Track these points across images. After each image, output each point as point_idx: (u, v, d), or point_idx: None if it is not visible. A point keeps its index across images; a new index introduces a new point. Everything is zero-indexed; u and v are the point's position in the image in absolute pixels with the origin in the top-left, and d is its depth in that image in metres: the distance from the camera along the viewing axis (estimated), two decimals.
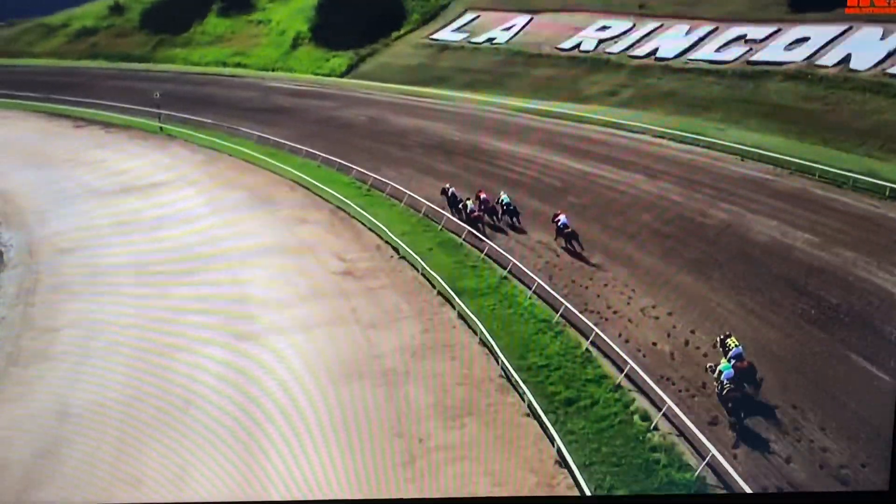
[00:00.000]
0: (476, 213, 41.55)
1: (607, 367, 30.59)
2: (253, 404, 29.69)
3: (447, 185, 44.20)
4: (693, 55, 57.04)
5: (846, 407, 26.86)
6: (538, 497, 25.53)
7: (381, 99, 63.58)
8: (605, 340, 31.19)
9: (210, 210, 46.07)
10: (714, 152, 47.50)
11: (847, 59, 49.71)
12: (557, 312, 33.73)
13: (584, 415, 28.12)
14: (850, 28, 50.60)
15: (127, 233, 43.94)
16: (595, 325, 32.31)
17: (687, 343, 31.13)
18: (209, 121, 59.83)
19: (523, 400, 28.95)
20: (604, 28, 62.56)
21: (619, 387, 29.34)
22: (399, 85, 64.76)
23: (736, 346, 28.53)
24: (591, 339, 31.71)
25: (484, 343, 32.32)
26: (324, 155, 52.68)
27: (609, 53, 60.51)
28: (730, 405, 26.77)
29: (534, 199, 43.33)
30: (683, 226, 39.86)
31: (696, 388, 28.69)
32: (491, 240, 39.77)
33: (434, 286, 36.82)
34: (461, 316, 34.36)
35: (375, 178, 48.47)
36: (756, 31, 55.63)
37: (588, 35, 62.58)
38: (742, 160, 46.04)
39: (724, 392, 26.90)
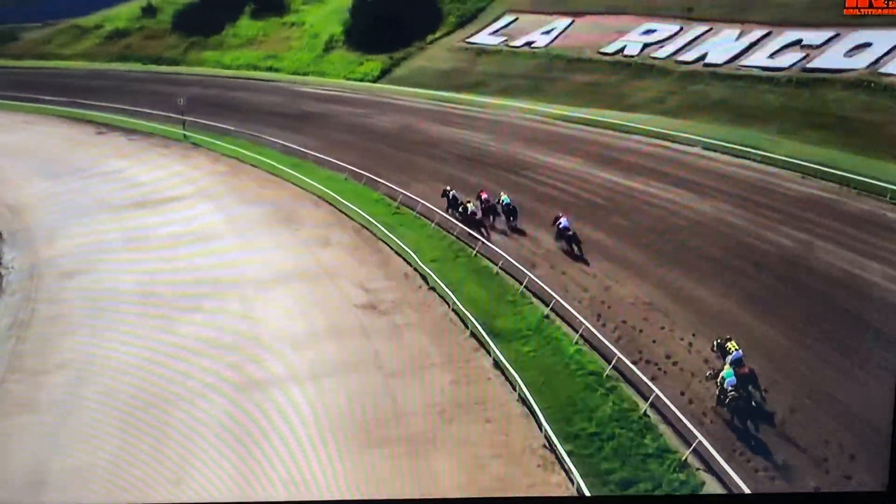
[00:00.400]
0: (478, 216, 38.79)
1: (669, 436, 24.96)
2: (254, 473, 24.49)
3: (448, 188, 40.58)
4: (745, 61, 51.51)
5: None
6: (538, 497, 23.16)
7: (413, 105, 57.81)
8: (664, 402, 25.37)
9: (227, 228, 40.79)
10: (770, 167, 41.93)
11: None
12: (609, 364, 27.97)
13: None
14: None
15: (137, 251, 39.11)
16: (652, 379, 26.75)
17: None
18: (234, 128, 54.59)
19: (571, 481, 23.24)
20: (649, 31, 56.81)
21: (684, 465, 23.51)
22: (433, 90, 58.89)
23: (736, 349, 26.09)
24: (650, 400, 25.84)
25: (523, 400, 26.60)
26: (351, 168, 47.00)
27: (654, 58, 54.80)
28: (733, 411, 24.66)
29: (581, 221, 37.38)
30: (745, 254, 34.16)
31: (775, 466, 23.02)
32: (531, 270, 33.94)
33: (467, 325, 31.22)
34: (497, 364, 28.62)
35: (405, 195, 42.81)
36: (812, 36, 49.84)
37: (632, 39, 56.80)
38: (802, 177, 40.51)
39: (728, 399, 24.74)
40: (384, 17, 64.79)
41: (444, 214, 39.93)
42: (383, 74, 64.02)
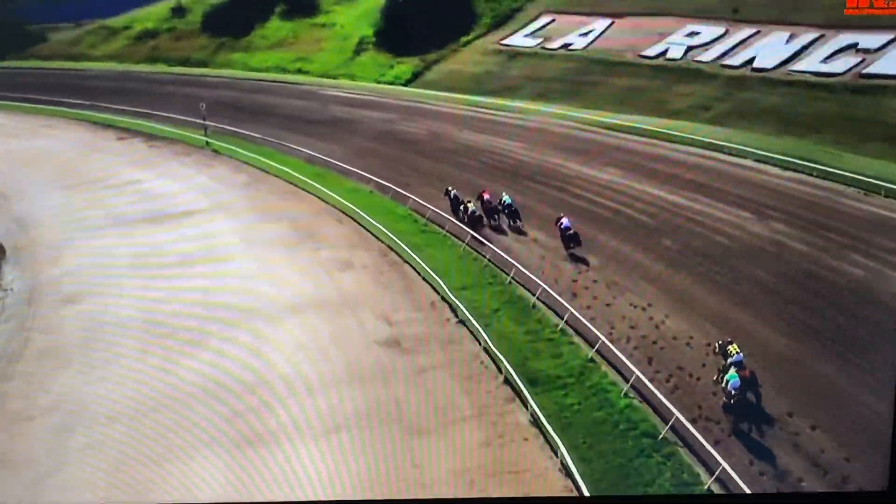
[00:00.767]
0: (478, 214, 36.78)
1: None
2: None
3: (449, 187, 38.63)
4: (796, 66, 46.06)
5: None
6: (538, 497, 21.61)
7: (444, 110, 53.01)
8: (730, 475, 20.57)
9: (242, 248, 36.45)
10: (830, 183, 36.87)
11: None
12: (666, 424, 23.11)
13: None
14: None
15: (144, 272, 34.96)
16: (715, 444, 22.01)
17: (846, 478, 20.91)
18: (257, 135, 50.33)
19: None
20: (693, 34, 51.42)
21: None
22: (465, 95, 53.96)
23: (737, 352, 24.28)
24: (716, 474, 21.00)
25: (566, 472, 21.81)
26: (377, 179, 42.43)
27: (699, 62, 49.39)
28: (736, 413, 23.15)
29: (625, 243, 32.67)
30: (809, 286, 29.31)
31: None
32: (571, 301, 29.10)
33: (500, 369, 26.47)
34: (535, 421, 23.85)
35: (434, 211, 38.16)
36: (869, 40, 44.34)
37: (675, 41, 51.46)
38: (865, 194, 35.37)
39: (732, 402, 23.19)
40: (416, 18, 60.16)
41: (477, 235, 35.46)
42: (414, 78, 59.29)
